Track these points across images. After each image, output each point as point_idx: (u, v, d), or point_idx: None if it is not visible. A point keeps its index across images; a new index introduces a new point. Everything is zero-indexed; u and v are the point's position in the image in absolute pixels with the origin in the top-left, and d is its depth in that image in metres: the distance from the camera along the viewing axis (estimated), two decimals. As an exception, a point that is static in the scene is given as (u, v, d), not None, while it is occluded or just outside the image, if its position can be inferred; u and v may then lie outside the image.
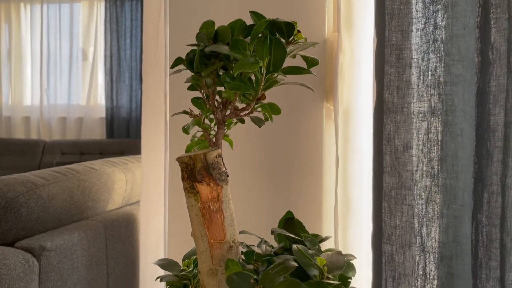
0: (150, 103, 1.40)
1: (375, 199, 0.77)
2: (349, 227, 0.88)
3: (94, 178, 1.32)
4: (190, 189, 0.49)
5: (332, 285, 0.42)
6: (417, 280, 0.72)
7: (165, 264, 0.65)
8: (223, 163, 0.51)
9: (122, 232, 1.32)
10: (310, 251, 0.46)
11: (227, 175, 0.50)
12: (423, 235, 0.71)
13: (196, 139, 0.55)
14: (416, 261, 0.72)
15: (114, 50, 3.84)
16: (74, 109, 4.07)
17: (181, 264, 0.65)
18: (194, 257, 0.64)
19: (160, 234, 1.35)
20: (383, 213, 0.76)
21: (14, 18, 3.85)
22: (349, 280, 0.48)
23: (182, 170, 0.50)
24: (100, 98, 3.91)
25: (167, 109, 1.36)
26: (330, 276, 0.44)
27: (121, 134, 3.90)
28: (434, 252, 0.70)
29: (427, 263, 0.71)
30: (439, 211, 0.69)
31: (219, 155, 0.50)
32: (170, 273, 0.62)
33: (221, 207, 0.49)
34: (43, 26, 3.91)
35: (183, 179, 0.50)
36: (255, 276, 0.45)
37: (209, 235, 0.49)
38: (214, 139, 0.53)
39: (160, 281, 0.63)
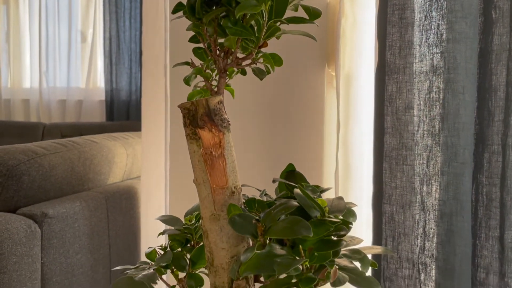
0: (150, 75, 1.39)
1: (376, 160, 0.77)
2: (349, 191, 0.88)
3: (95, 150, 1.32)
4: (192, 135, 0.49)
5: (334, 223, 0.42)
6: (417, 239, 0.72)
7: (167, 219, 0.65)
8: (225, 111, 0.51)
9: (123, 204, 1.33)
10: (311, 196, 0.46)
11: (229, 123, 0.50)
12: (423, 194, 0.72)
13: (198, 89, 0.55)
14: (416, 220, 0.73)
15: (113, 32, 3.81)
16: (74, 92, 4.05)
17: (183, 221, 0.65)
18: (196, 213, 0.64)
19: (161, 208, 1.36)
20: (384, 174, 0.76)
21: (12, 0, 3.82)
22: (349, 225, 0.48)
23: (184, 117, 0.50)
24: (100, 81, 3.90)
25: (167, 82, 1.36)
26: (332, 216, 0.44)
27: (121, 117, 3.90)
28: (434, 210, 0.70)
29: (427, 221, 0.71)
30: (439, 169, 0.70)
31: (221, 102, 0.50)
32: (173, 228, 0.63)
33: (223, 153, 0.49)
34: (42, 8, 3.88)
35: (185, 125, 0.50)
36: (257, 217, 0.45)
37: (211, 180, 0.49)
38: (215, 89, 0.53)
39: (163, 234, 0.63)
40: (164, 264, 0.60)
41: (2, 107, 3.92)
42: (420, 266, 0.72)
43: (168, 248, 0.62)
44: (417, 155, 0.73)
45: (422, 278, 0.71)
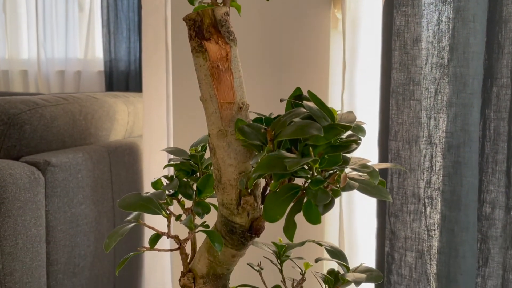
0: (150, 31, 1.37)
1: (382, 97, 0.76)
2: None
3: (96, 106, 1.31)
4: (198, 48, 0.48)
5: (345, 127, 0.42)
6: (423, 173, 0.72)
7: (173, 150, 0.65)
8: (231, 25, 0.49)
9: (125, 159, 1.32)
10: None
11: (235, 37, 0.49)
12: (431, 127, 0.71)
13: (203, 4, 0.53)
14: (423, 155, 0.72)
15: (111, 0, 3.75)
16: (72, 62, 4.01)
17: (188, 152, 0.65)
18: (202, 144, 0.64)
19: (163, 164, 1.36)
20: (390, 110, 0.75)
21: (7, -32, 3.73)
22: (358, 141, 0.47)
23: (189, 29, 0.48)
24: (98, 51, 3.85)
25: (168, 37, 1.33)
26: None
27: (120, 88, 3.86)
28: (442, 143, 0.70)
29: (433, 155, 0.71)
30: (447, 101, 0.69)
31: (227, 14, 0.48)
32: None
33: (230, 67, 0.48)
34: (37, -24, 3.79)
35: (190, 38, 0.48)
36: (266, 126, 0.45)
37: (218, 95, 0.48)
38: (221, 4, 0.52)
39: (168, 164, 0.63)
40: (171, 191, 0.59)
41: (1, 78, 3.89)
42: (425, 200, 0.72)
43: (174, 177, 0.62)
44: (425, 89, 0.72)
45: (427, 211, 0.71)
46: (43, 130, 1.09)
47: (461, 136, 0.67)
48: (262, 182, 0.52)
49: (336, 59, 0.90)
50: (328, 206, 0.39)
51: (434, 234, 0.70)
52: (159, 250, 0.55)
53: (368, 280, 0.56)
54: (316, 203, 0.38)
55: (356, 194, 0.85)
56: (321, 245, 0.58)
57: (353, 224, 0.83)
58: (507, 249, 0.69)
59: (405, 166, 0.74)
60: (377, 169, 0.48)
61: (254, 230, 0.52)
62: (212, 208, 0.59)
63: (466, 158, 0.67)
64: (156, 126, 1.37)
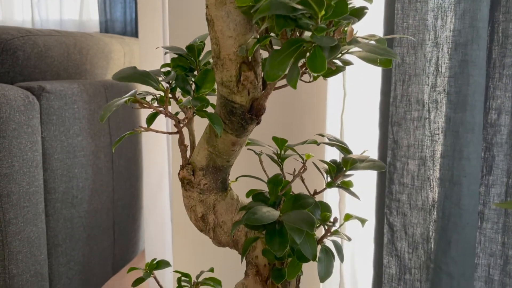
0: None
1: (387, 2, 0.73)
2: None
3: (91, 42, 1.28)
4: None
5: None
6: (428, 77, 0.70)
7: (171, 47, 0.62)
8: None
9: (122, 96, 1.30)
10: None
11: None
12: (437, 28, 0.69)
13: None
14: (428, 58, 0.70)
15: (105, -43, 3.62)
16: (67, 24, 3.92)
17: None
18: (200, 40, 0.61)
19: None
20: (396, 15, 0.72)
21: None
22: (365, 10, 0.45)
23: None
24: (93, 13, 3.76)
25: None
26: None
27: (117, 50, 3.78)
28: (448, 43, 0.67)
29: (439, 57, 0.69)
30: (456, -2, 0.66)
31: None
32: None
33: None
34: None
35: None
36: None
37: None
38: None
39: (164, 64, 0.61)
40: (169, 83, 0.57)
41: (-6, 40, 3.81)
42: (430, 105, 0.70)
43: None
44: (432, -11, 0.69)
45: (432, 116, 0.70)
46: (37, 59, 1.06)
47: (469, 33, 0.65)
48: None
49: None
50: (334, 50, 0.37)
51: (438, 139, 0.69)
52: (157, 131, 0.53)
53: (371, 167, 0.55)
54: (321, 45, 0.36)
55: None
56: (322, 136, 0.57)
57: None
58: (512, 156, 0.68)
59: (410, 72, 0.72)
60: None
61: (254, 110, 0.51)
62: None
63: (473, 56, 0.65)
64: (153, 65, 1.34)
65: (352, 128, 0.81)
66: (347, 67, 0.48)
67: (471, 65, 0.65)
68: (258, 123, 0.53)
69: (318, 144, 0.53)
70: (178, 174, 0.57)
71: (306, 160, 0.55)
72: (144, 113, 1.32)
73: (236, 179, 0.59)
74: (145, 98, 0.56)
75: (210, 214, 0.58)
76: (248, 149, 0.57)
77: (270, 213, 0.47)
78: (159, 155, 1.35)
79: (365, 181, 0.78)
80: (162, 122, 1.33)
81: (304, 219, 0.45)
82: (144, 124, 1.36)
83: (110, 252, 1.26)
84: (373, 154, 0.78)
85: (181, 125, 0.53)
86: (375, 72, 0.77)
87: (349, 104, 0.81)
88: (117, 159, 1.27)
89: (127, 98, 0.51)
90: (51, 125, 1.00)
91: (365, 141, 0.79)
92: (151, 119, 0.52)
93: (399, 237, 0.75)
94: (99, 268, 1.21)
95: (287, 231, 0.48)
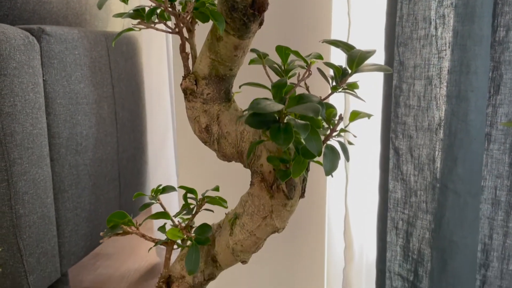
0: None
1: None
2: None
3: (90, -8, 1.26)
4: None
5: None
6: (435, -7, 0.68)
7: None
8: None
9: (123, 48, 1.29)
10: None
11: None
12: None
13: None
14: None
15: None
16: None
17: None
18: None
19: (163, 58, 1.32)
20: None
21: None
22: None
23: None
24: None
25: None
26: None
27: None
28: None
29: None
30: None
31: None
32: None
33: None
34: None
35: None
36: None
37: None
38: None
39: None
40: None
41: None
42: (437, 21, 0.68)
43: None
44: None
45: (439, 33, 0.68)
46: (35, 4, 1.04)
47: None
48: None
49: None
50: None
51: (445, 55, 0.67)
52: (157, 29, 0.52)
53: (377, 69, 0.54)
54: None
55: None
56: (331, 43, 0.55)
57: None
58: (520, 72, 0.67)
59: (416, -11, 0.70)
60: None
61: (257, 5, 0.49)
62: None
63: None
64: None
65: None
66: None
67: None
68: (261, 23, 0.52)
69: (322, 42, 0.52)
70: (181, 84, 0.57)
71: (311, 64, 0.54)
72: (147, 69, 1.31)
73: (240, 87, 0.58)
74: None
75: (214, 125, 0.57)
76: (252, 50, 0.56)
77: (275, 104, 0.46)
78: (162, 110, 1.34)
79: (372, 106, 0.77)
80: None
81: (309, 107, 0.44)
82: (146, 75, 1.34)
83: (116, 204, 1.26)
84: (379, 78, 0.76)
85: (182, 25, 0.52)
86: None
87: (354, 31, 0.80)
88: (121, 111, 1.26)
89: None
90: (52, 69, 0.99)
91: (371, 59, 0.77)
92: (149, 14, 0.50)
93: (405, 160, 0.74)
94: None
95: (292, 128, 0.48)
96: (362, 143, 0.85)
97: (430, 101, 0.70)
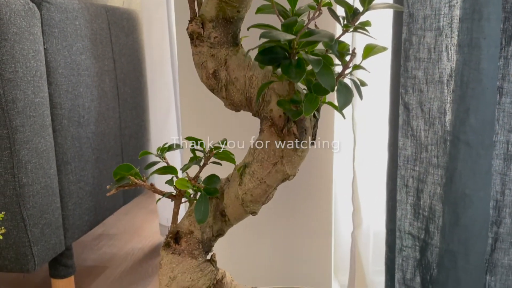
0: None
1: None
2: None
3: (90, -34, 1.24)
4: None
5: None
6: None
7: None
8: None
9: (124, 23, 1.27)
10: None
11: None
12: None
13: None
14: None
15: None
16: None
17: None
18: None
19: (164, 35, 1.30)
20: None
21: None
22: None
23: None
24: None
25: None
26: None
27: None
28: None
29: None
30: None
31: None
32: None
33: None
34: None
35: None
36: None
37: None
38: None
39: None
40: None
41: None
42: (447, -31, 0.67)
43: None
44: None
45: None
46: (35, -27, 1.03)
47: None
48: None
49: None
50: None
51: (457, 3, 0.66)
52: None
53: (389, 7, 0.52)
54: None
55: None
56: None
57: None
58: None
59: None
60: None
61: None
62: None
63: None
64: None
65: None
66: None
67: None
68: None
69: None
70: (187, 28, 0.55)
71: (321, 2, 0.53)
72: (148, 45, 1.30)
73: (248, 29, 0.57)
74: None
75: (221, 70, 0.56)
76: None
77: (287, 34, 0.45)
78: (165, 89, 1.32)
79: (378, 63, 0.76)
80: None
81: (322, 35, 0.43)
82: (147, 52, 1.31)
83: (119, 180, 1.25)
84: (387, 32, 0.75)
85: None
86: None
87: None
88: (122, 86, 1.25)
89: None
90: (53, 38, 0.97)
91: (378, 17, 0.76)
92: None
93: (415, 115, 0.73)
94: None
95: (304, 62, 0.46)
96: (371, 102, 0.84)
97: (441, 52, 0.68)
